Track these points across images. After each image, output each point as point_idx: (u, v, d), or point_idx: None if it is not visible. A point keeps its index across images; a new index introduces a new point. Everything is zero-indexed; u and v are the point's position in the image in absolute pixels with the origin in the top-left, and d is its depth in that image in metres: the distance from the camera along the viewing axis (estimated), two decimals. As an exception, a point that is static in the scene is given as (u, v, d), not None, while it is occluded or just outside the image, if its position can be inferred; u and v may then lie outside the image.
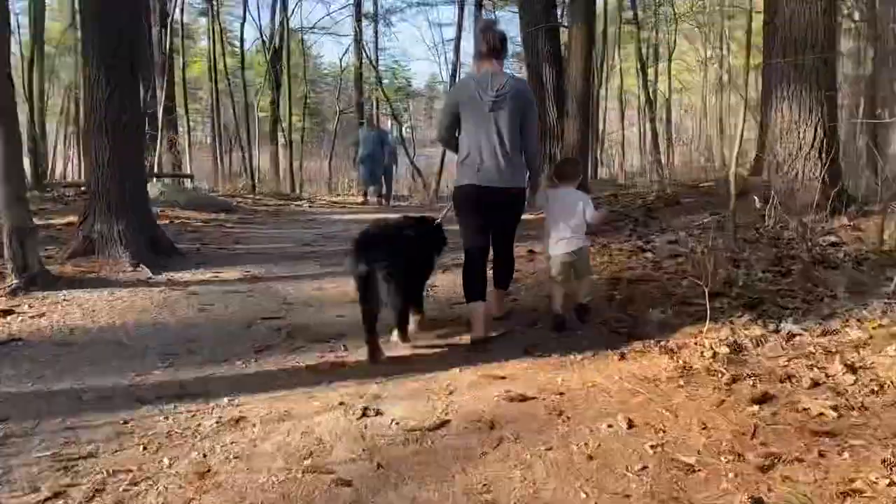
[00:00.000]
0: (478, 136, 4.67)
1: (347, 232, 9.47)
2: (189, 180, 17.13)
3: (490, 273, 5.15)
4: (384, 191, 17.79)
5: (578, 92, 10.04)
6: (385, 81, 51.06)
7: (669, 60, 32.61)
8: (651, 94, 26.08)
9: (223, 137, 27.53)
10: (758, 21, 38.34)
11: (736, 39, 40.61)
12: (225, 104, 28.15)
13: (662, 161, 21.54)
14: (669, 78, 33.18)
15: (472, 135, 4.70)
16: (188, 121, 21.77)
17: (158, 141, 19.11)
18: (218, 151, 26.37)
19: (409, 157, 21.92)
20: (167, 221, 9.70)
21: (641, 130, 28.42)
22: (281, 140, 25.42)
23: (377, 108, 28.45)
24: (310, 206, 13.81)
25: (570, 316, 5.25)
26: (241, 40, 27.36)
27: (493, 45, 4.77)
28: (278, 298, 6.13)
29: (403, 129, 24.32)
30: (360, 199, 17.73)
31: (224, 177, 20.91)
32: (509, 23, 32.22)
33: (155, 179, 14.20)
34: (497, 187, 4.68)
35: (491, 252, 5.09)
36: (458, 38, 29.46)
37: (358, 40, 24.40)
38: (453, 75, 30.02)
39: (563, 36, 16.88)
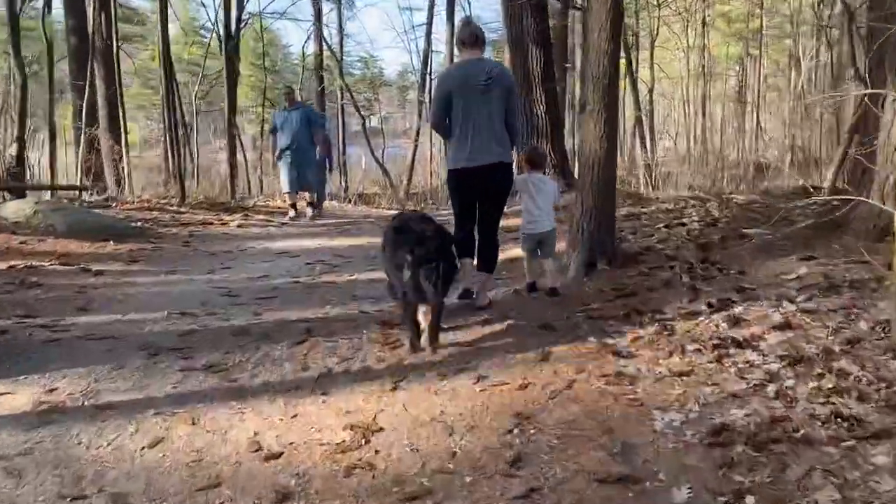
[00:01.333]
0: (469, 118, 4.86)
1: (265, 281, 6.32)
2: (88, 193, 13.30)
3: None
4: (314, 197, 12.33)
5: (601, 78, 5.66)
6: (357, 72, 48.18)
7: (652, 48, 29.59)
8: (633, 84, 23.02)
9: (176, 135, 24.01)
10: (738, 8, 36.12)
11: (717, 28, 37.92)
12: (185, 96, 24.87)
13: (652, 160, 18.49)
14: (652, 67, 30.25)
15: (464, 119, 4.88)
16: (123, 116, 18.26)
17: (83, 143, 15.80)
18: (171, 152, 22.96)
19: (372, 153, 18.59)
20: (3, 266, 6.47)
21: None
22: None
23: (342, 98, 25.19)
24: (242, 223, 10.55)
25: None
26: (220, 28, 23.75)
27: (477, 35, 5.00)
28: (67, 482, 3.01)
29: (366, 121, 21.04)
30: (288, 212, 12.04)
31: (161, 182, 17.54)
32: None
33: (34, 194, 10.89)
34: (487, 163, 4.88)
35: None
36: (429, 24, 26.37)
37: (318, 24, 21.05)
38: (425, 63, 26.91)
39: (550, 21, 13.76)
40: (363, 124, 18.16)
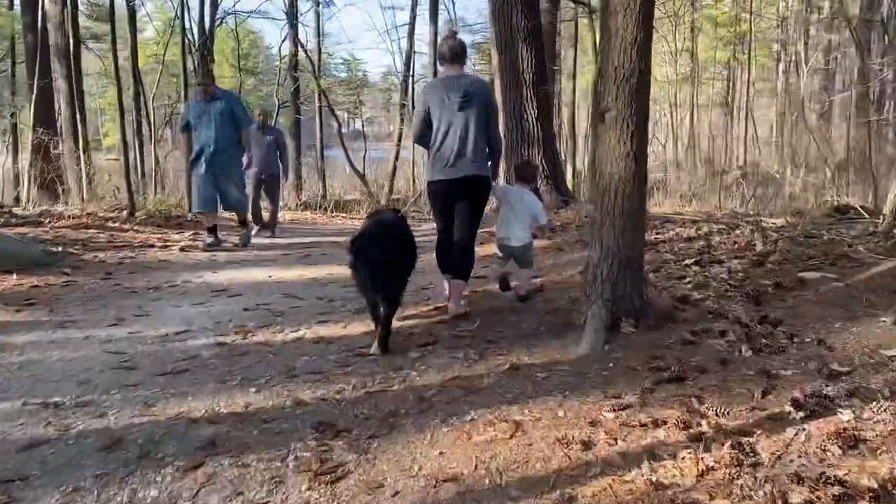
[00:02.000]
0: (447, 132, 4.88)
1: (182, 341, 4.70)
2: (23, 206, 11.54)
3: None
4: (244, 215, 9.51)
5: (628, 77, 4.16)
6: (342, 74, 46.38)
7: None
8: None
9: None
10: (726, 12, 34.80)
11: (705, 33, 36.62)
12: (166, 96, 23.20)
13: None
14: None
15: (442, 133, 4.90)
16: (83, 119, 16.57)
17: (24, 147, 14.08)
18: (138, 156, 21.43)
19: (348, 158, 16.99)
20: None
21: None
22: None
23: (320, 100, 23.52)
24: (188, 244, 8.75)
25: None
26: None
27: (456, 52, 5.00)
28: None
29: (344, 125, 19.33)
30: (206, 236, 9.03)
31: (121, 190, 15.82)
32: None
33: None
34: (464, 176, 4.88)
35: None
36: (412, 24, 24.80)
37: (293, 22, 19.38)
38: (407, 66, 25.33)
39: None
40: (338, 129, 16.52)
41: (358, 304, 5.21)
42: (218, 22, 23.38)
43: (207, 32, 22.51)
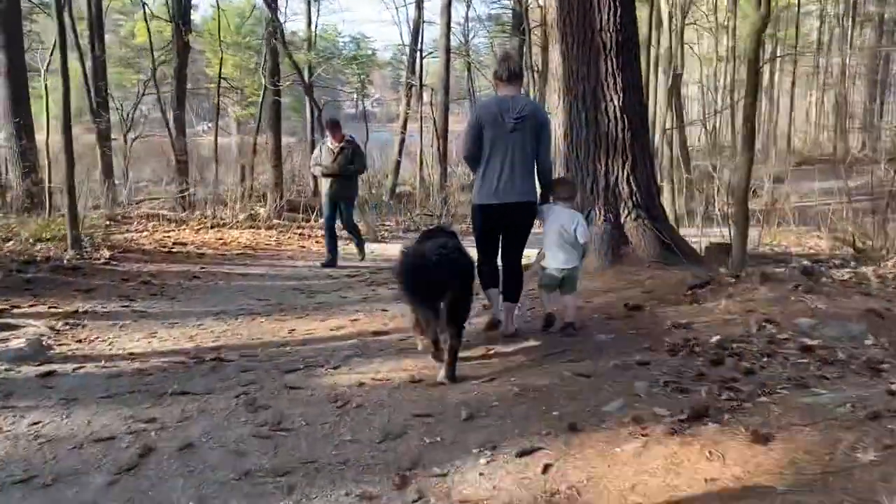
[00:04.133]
0: (499, 155, 4.55)
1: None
2: None
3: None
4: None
5: None
6: (350, 53, 41.26)
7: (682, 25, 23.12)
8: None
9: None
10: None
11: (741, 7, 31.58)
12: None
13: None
14: (681, 46, 23.87)
15: (494, 154, 4.58)
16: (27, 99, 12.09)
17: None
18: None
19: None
20: None
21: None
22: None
23: (309, 75, 18.83)
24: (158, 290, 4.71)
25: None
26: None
27: (513, 71, 4.66)
28: None
29: (322, 113, 14.51)
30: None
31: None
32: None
33: None
34: (513, 202, 4.57)
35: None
36: (420, -13, 20.00)
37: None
38: (415, 37, 20.59)
39: None
40: (318, 115, 11.95)
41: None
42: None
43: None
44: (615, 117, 6.50)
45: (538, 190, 4.81)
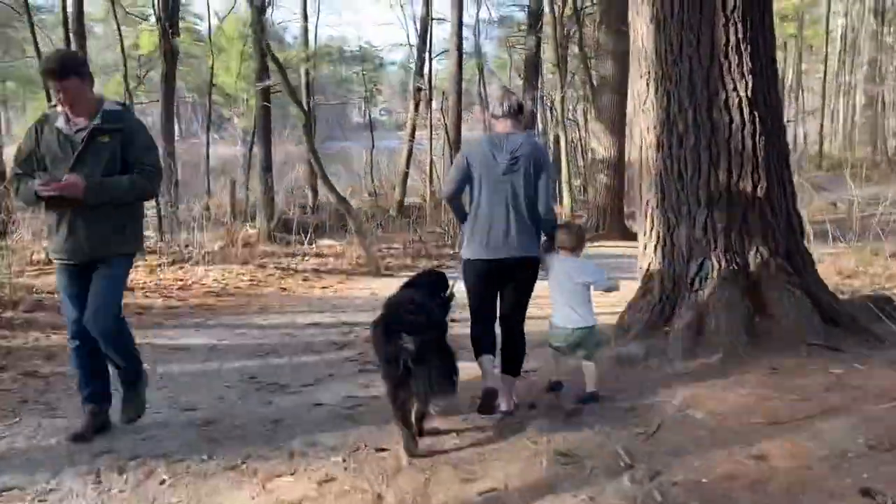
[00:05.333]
0: (489, 201, 3.70)
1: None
2: None
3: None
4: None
5: None
6: (357, 65, 38.70)
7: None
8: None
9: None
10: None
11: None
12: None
13: None
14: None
15: (484, 200, 3.72)
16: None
17: None
18: None
19: (320, 166, 9.84)
20: None
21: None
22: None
23: (306, 77, 16.46)
24: None
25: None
26: None
27: (510, 108, 3.79)
28: None
29: (311, 117, 12.11)
30: None
31: None
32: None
33: None
34: (508, 258, 3.68)
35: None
36: (428, -20, 17.59)
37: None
38: (423, 37, 18.16)
39: None
40: (307, 123, 9.56)
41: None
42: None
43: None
44: (740, 115, 4.04)
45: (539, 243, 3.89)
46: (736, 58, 3.99)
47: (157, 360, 4.86)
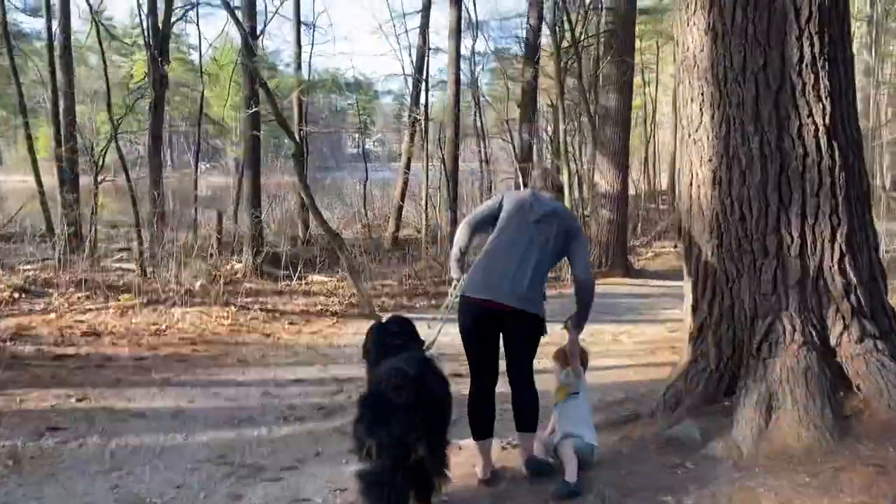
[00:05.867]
0: (511, 239, 3.39)
1: None
2: None
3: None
4: None
5: None
6: (351, 96, 38.13)
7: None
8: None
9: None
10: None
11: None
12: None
13: None
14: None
15: (505, 237, 3.41)
16: None
17: None
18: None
19: (312, 202, 9.07)
20: None
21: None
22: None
23: (300, 108, 15.73)
24: None
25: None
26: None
27: (551, 183, 3.65)
28: None
29: (305, 147, 11.37)
30: None
31: None
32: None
33: None
34: (504, 305, 3.24)
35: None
36: (426, 10, 17.05)
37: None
38: (420, 67, 17.55)
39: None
40: (296, 153, 8.85)
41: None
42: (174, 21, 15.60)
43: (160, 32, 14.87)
44: (816, 146, 3.30)
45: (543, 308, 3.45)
46: (811, 77, 3.27)
47: (110, 432, 4.04)
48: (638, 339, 7.28)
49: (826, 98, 3.28)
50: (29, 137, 14.96)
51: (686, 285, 3.87)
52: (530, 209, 3.41)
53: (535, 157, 22.23)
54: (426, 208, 17.19)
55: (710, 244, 3.54)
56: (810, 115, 3.28)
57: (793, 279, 3.31)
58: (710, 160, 3.49)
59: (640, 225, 19.78)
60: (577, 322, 3.39)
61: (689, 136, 3.63)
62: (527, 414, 3.39)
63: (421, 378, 2.69)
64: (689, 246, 3.74)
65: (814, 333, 3.27)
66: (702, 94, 3.52)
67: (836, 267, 3.31)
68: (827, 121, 3.28)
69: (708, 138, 3.50)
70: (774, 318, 3.32)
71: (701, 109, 3.53)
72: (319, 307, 8.53)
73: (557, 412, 3.50)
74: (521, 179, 15.20)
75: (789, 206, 3.31)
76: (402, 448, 2.52)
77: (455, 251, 3.66)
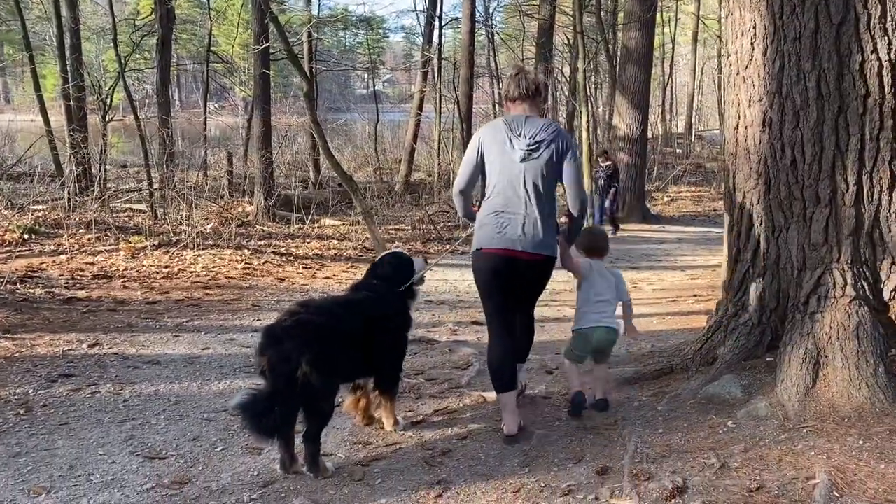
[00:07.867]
0: (505, 192, 3.22)
1: None
2: None
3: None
4: None
5: None
6: (360, 35, 36.97)
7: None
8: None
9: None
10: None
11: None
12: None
13: None
14: None
15: (499, 190, 3.25)
16: None
17: None
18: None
19: (319, 134, 8.77)
20: None
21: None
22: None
23: (309, 45, 15.31)
24: None
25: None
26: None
27: (525, 89, 3.31)
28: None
29: (314, 86, 11.07)
30: None
31: None
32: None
33: None
34: (521, 252, 3.18)
35: None
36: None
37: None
38: (433, 3, 16.94)
39: None
40: (308, 92, 8.51)
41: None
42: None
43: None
44: (879, 85, 3.01)
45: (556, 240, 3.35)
46: (878, 9, 2.96)
47: (123, 379, 3.91)
48: (657, 286, 7.09)
49: (893, 32, 2.97)
50: (35, 74, 14.62)
51: (727, 234, 3.63)
52: (511, 148, 3.19)
53: (549, 99, 21.71)
54: (438, 151, 16.85)
55: (757, 191, 3.29)
56: (874, 50, 2.98)
57: (846, 229, 3.07)
58: (761, 100, 3.20)
59: (656, 168, 19.39)
60: (570, 240, 3.42)
61: (738, 73, 3.33)
62: (523, 349, 3.51)
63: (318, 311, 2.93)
64: (733, 192, 3.48)
65: (866, 287, 3.05)
66: (754, 28, 3.21)
67: (893, 217, 3.06)
68: (892, 56, 2.98)
69: (759, 76, 3.20)
70: (824, 270, 3.09)
71: (752, 44, 3.22)
72: (333, 251, 8.36)
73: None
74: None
75: (846, 151, 3.04)
76: (288, 364, 2.64)
77: (463, 216, 3.55)
